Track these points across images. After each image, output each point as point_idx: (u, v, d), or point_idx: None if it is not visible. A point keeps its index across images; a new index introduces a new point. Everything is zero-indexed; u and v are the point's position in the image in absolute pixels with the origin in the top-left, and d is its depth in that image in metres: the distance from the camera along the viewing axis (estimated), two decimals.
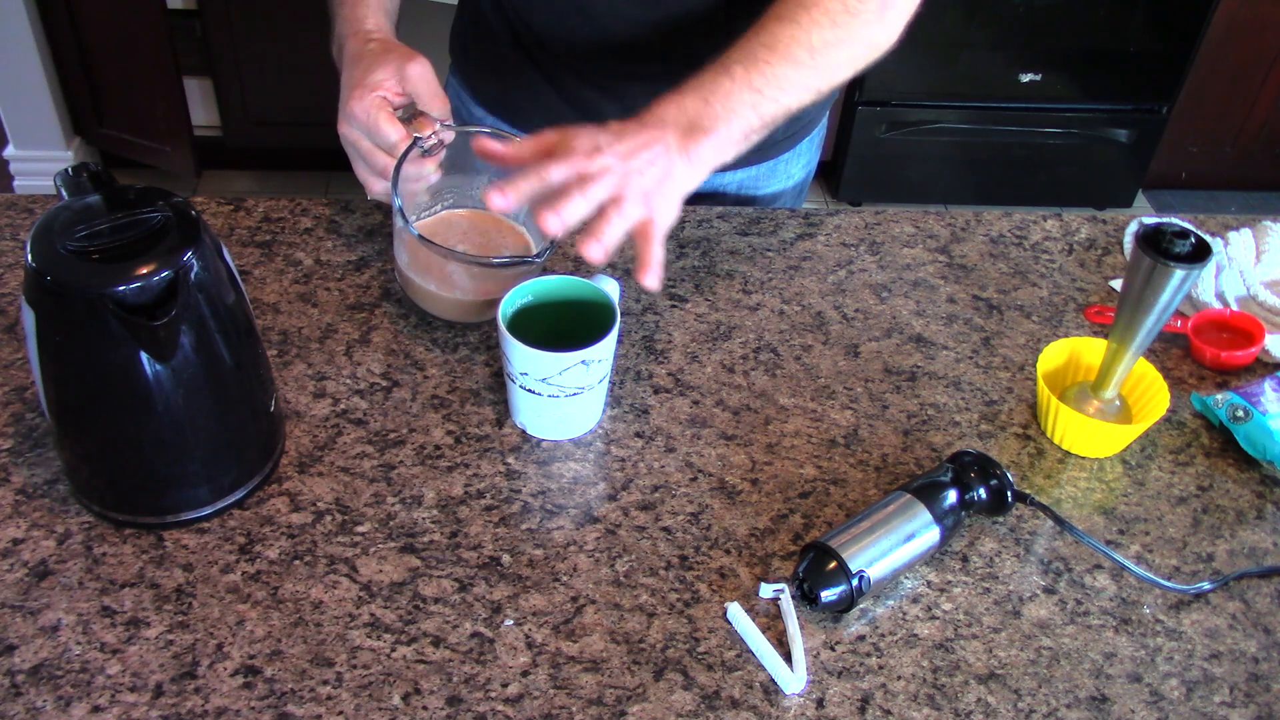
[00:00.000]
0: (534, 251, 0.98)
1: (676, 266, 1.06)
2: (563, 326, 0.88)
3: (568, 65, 1.11)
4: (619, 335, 0.86)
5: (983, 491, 0.83)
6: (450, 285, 0.94)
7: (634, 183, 0.79)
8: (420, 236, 0.89)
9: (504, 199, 0.79)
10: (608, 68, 1.09)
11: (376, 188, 0.91)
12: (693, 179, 0.83)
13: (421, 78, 0.90)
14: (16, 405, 0.88)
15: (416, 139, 0.90)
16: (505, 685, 0.73)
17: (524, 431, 0.89)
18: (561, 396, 0.85)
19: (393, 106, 0.89)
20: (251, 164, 2.84)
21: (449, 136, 0.93)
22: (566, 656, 0.75)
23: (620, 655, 0.75)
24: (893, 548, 0.78)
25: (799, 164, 1.23)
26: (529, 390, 0.85)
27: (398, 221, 0.90)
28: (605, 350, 0.84)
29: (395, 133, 0.88)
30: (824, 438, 0.91)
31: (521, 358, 0.83)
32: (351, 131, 0.90)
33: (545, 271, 0.96)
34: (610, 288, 0.90)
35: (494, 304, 0.94)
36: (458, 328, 0.98)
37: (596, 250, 0.78)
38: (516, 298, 0.88)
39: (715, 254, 1.08)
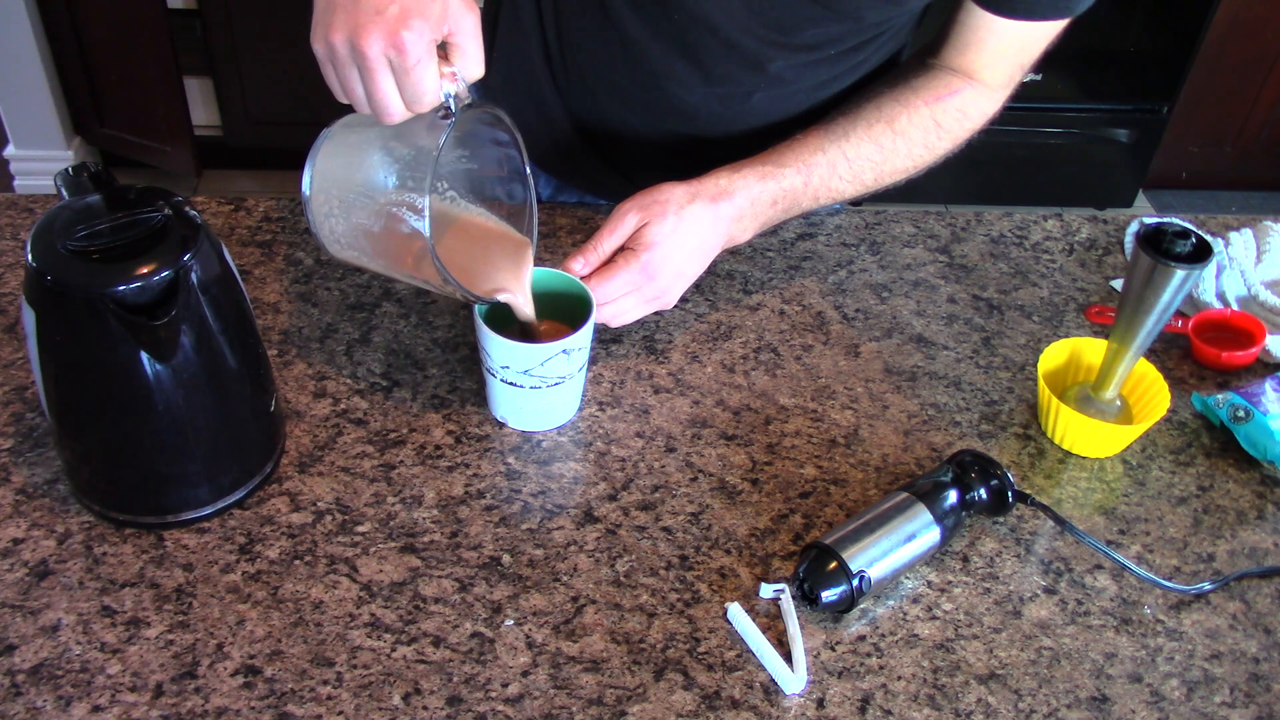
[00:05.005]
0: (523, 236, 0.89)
1: None
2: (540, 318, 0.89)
3: (606, 114, 1.10)
4: (593, 330, 0.86)
5: (983, 491, 0.83)
6: (397, 267, 0.83)
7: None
8: (446, 274, 0.77)
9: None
10: (639, 119, 1.09)
11: (351, 97, 0.75)
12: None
13: (474, 31, 0.75)
14: (17, 405, 0.88)
15: (452, 101, 0.75)
16: (505, 685, 0.73)
17: (498, 421, 0.89)
18: (544, 387, 0.85)
19: None
20: (251, 164, 2.84)
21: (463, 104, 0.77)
22: (567, 656, 0.74)
23: (620, 655, 0.75)
24: (893, 548, 0.78)
25: None
26: (503, 378, 0.85)
27: (413, 220, 0.77)
28: (584, 338, 0.85)
29: (434, 89, 0.73)
30: (824, 438, 0.91)
31: (499, 350, 0.84)
32: (378, 56, 0.71)
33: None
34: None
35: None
36: (459, 328, 0.98)
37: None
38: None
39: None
